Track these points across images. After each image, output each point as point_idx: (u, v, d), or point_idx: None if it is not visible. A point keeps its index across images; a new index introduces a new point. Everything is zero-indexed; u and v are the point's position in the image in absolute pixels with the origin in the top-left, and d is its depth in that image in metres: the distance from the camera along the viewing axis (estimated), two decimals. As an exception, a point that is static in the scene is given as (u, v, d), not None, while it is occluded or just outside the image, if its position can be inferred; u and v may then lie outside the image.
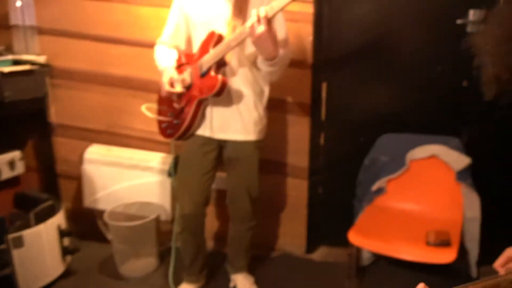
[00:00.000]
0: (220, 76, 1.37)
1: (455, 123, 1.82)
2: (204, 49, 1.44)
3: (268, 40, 1.21)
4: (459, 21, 1.77)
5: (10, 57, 2.00)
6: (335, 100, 2.06)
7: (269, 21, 1.19)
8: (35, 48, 2.22)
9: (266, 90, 1.56)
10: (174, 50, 1.58)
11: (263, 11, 1.18)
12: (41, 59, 2.20)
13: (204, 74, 1.42)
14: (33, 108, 2.19)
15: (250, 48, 1.43)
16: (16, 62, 2.02)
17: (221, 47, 1.36)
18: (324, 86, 2.06)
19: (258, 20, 1.19)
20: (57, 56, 2.26)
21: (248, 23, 1.22)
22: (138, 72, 2.18)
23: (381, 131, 1.93)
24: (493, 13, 0.60)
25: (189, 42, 1.58)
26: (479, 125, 1.79)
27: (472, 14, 1.74)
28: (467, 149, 1.72)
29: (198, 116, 1.49)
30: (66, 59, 2.27)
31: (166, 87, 1.44)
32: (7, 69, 1.88)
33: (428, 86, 1.91)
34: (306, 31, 1.96)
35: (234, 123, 1.50)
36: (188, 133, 1.53)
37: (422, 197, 1.79)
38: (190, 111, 1.47)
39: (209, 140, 1.55)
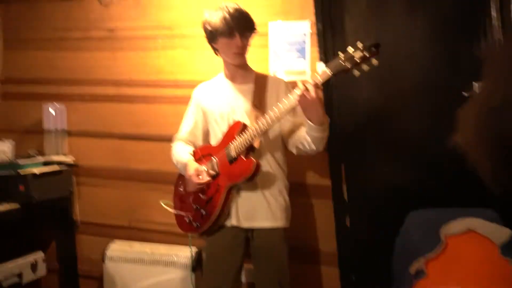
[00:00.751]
0: (253, 159, 1.42)
1: (485, 194, 1.75)
2: (229, 137, 1.50)
3: (319, 105, 1.32)
4: (465, 94, 1.80)
5: (41, 158, 2.15)
6: (356, 180, 2.06)
7: (319, 90, 1.31)
8: (64, 149, 2.38)
9: (286, 175, 1.59)
10: (190, 146, 1.64)
11: (312, 79, 1.31)
12: (69, 159, 2.35)
13: (234, 160, 1.46)
14: (58, 207, 2.26)
15: (274, 133, 1.52)
16: (46, 163, 2.16)
17: (252, 132, 1.42)
18: (342, 167, 2.07)
19: (307, 89, 1.29)
20: (83, 155, 2.41)
21: (294, 94, 1.33)
22: (158, 166, 2.27)
23: (408, 208, 1.80)
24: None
25: (205, 136, 1.65)
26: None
27: (477, 87, 1.78)
28: (503, 220, 1.65)
29: (228, 204, 1.49)
30: (92, 158, 2.41)
31: (194, 179, 1.48)
32: (37, 170, 2.01)
33: (448, 159, 1.89)
34: None
35: (261, 209, 1.50)
36: (218, 223, 1.51)
37: (468, 278, 1.59)
38: (219, 199, 1.47)
39: (236, 232, 1.52)
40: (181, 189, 1.64)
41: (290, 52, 2.18)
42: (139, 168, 2.33)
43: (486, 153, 0.43)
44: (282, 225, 1.52)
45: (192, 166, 1.51)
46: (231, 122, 1.53)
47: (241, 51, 1.51)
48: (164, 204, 1.65)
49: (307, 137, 1.44)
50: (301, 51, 2.18)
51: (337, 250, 2.01)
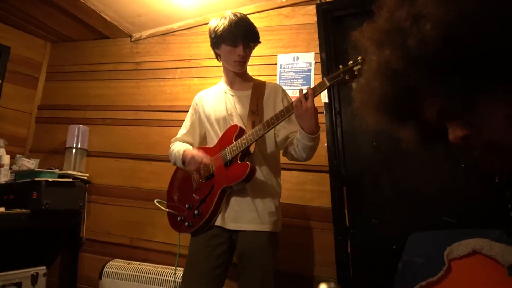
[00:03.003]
0: (248, 163, 1.40)
1: (491, 216, 1.73)
2: (225, 141, 1.49)
3: (313, 114, 1.32)
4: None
5: (57, 171, 2.33)
6: (357, 205, 2.03)
7: (314, 99, 1.31)
8: (81, 167, 2.57)
9: (279, 182, 1.55)
10: (188, 145, 1.64)
11: (311, 89, 1.32)
12: (84, 175, 2.52)
13: (230, 163, 1.45)
14: (68, 222, 2.36)
15: (269, 140, 1.51)
16: (62, 176, 2.33)
17: (248, 137, 1.41)
18: (344, 190, 2.07)
19: (304, 97, 1.31)
20: (98, 174, 2.58)
21: (295, 102, 1.33)
22: (164, 184, 2.31)
23: (411, 230, 1.78)
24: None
25: (202, 140, 1.67)
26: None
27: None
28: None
29: (222, 205, 1.47)
30: (105, 176, 2.57)
31: (198, 155, 1.47)
32: (51, 178, 2.15)
33: (456, 180, 1.87)
34: (321, 140, 2.08)
35: (247, 213, 1.45)
36: (209, 223, 1.48)
37: (474, 302, 1.48)
38: (213, 200, 1.45)
39: (219, 232, 1.47)
40: (175, 190, 1.62)
41: (296, 79, 2.35)
42: (146, 187, 2.45)
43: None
44: (269, 229, 1.45)
45: (197, 152, 1.51)
46: (228, 126, 1.53)
47: (243, 60, 1.50)
48: (158, 202, 1.64)
49: (298, 144, 1.44)
50: (306, 79, 2.35)
51: (337, 276, 1.95)
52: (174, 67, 2.61)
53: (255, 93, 1.54)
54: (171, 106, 2.54)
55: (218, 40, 1.49)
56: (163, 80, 2.61)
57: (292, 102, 1.34)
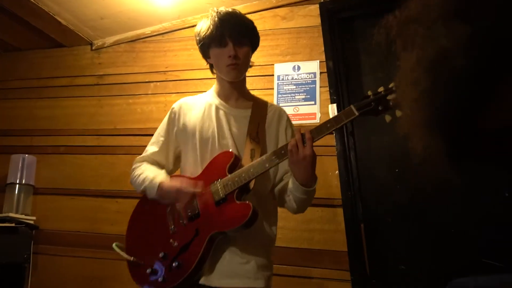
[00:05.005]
0: (250, 204, 1.34)
1: None
2: (215, 171, 1.44)
3: (310, 164, 1.31)
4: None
5: None
6: (379, 247, 2.03)
7: (313, 143, 1.31)
8: (26, 208, 2.53)
9: (275, 232, 1.52)
10: (163, 171, 1.54)
11: (309, 133, 1.30)
12: (31, 219, 2.48)
13: (223, 202, 1.39)
14: (8, 279, 2.30)
15: (266, 175, 1.47)
16: (1, 221, 2.28)
17: (250, 170, 1.38)
18: (362, 228, 2.08)
19: (302, 141, 1.29)
20: (48, 217, 2.55)
21: (291, 143, 1.32)
22: None
23: (449, 279, 1.79)
24: None
25: (176, 161, 1.61)
26: None
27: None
28: None
29: (209, 256, 1.39)
30: (58, 220, 2.53)
31: (188, 185, 1.40)
32: None
33: (499, 212, 1.89)
34: (331, 166, 2.17)
35: (239, 265, 1.40)
36: (190, 280, 1.40)
37: None
38: (200, 249, 1.37)
39: None
40: (143, 229, 1.52)
41: (298, 93, 2.41)
42: (111, 232, 2.41)
43: None
44: (262, 285, 1.42)
45: (179, 182, 1.45)
46: (217, 150, 1.48)
47: (235, 62, 1.47)
48: (117, 246, 1.52)
49: (290, 194, 1.45)
50: (310, 92, 2.41)
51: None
52: (146, 80, 2.66)
53: (255, 114, 1.53)
54: (143, 129, 2.56)
55: (205, 44, 1.50)
56: (133, 97, 2.65)
57: (288, 143, 1.34)
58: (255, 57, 2.33)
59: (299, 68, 2.45)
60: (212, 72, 1.56)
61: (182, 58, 2.65)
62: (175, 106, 1.61)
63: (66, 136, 2.71)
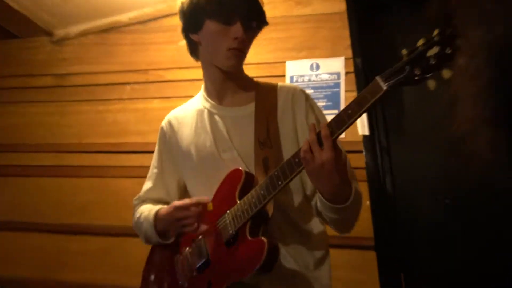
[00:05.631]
0: (265, 240, 1.18)
1: None
2: (223, 200, 1.33)
3: (333, 171, 1.10)
4: None
5: None
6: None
7: (334, 141, 1.10)
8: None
9: (326, 266, 1.34)
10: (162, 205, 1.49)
11: (325, 128, 1.10)
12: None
13: (234, 241, 1.25)
14: None
15: (294, 191, 1.34)
16: None
17: (260, 191, 1.23)
18: (402, 279, 1.93)
19: (319, 142, 1.10)
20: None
21: (304, 146, 1.14)
22: (104, 275, 2.12)
23: None
24: None
25: (182, 193, 1.51)
26: None
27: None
28: None
29: None
30: (5, 264, 2.29)
31: (185, 203, 1.31)
32: None
33: None
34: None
35: None
36: None
37: None
38: None
39: None
40: (153, 281, 1.45)
41: (316, 100, 2.19)
42: (74, 280, 2.17)
43: None
44: None
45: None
46: (223, 169, 1.33)
47: (241, 47, 1.33)
48: None
49: (321, 212, 1.28)
50: (333, 98, 2.23)
51: None
52: (122, 81, 2.45)
53: (261, 107, 1.39)
54: (116, 145, 2.37)
55: (199, 11, 1.34)
56: (104, 103, 2.44)
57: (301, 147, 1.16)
58: (263, 53, 2.25)
59: (318, 66, 2.28)
60: (194, 57, 1.43)
61: (168, 53, 2.44)
62: (164, 124, 1.53)
63: (17, 153, 2.48)
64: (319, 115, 1.38)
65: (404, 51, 1.00)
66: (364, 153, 2.07)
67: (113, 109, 2.46)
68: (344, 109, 1.08)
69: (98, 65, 2.55)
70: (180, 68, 2.39)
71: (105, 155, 2.38)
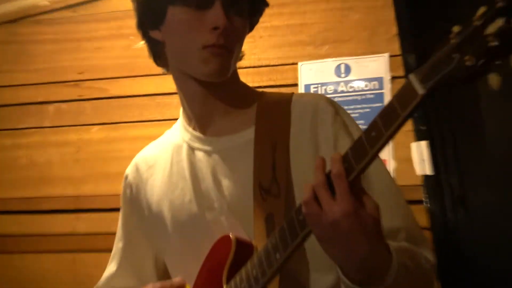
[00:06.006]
0: None
1: None
2: (208, 283, 1.18)
3: (356, 233, 0.85)
4: None
5: None
6: None
7: (355, 184, 0.85)
8: None
9: None
10: None
11: (338, 163, 0.85)
12: None
13: None
14: None
15: (318, 262, 1.10)
16: None
17: (250, 272, 1.04)
18: None
19: (326, 187, 0.87)
20: None
21: (305, 193, 0.91)
22: None
23: None
24: None
25: (161, 272, 1.34)
26: None
27: None
28: None
29: None
30: None
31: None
32: None
33: None
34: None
35: None
36: None
37: None
38: None
39: None
40: None
41: None
42: None
43: None
44: None
45: None
46: (209, 240, 1.17)
47: (224, 42, 1.08)
48: None
49: None
50: (373, 117, 1.81)
51: None
52: (41, 100, 2.09)
53: (264, 134, 1.17)
54: (35, 200, 2.02)
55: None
56: (14, 134, 2.12)
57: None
58: (266, 51, 1.98)
59: (348, 69, 1.94)
60: (162, 64, 1.19)
61: (113, 54, 2.09)
62: (129, 172, 1.30)
63: None
64: (352, 130, 1.13)
65: (456, 28, 0.73)
66: (425, 203, 1.82)
67: (28, 144, 2.11)
68: (366, 130, 0.83)
69: (3, 74, 2.17)
70: (133, 76, 2.04)
71: (16, 217, 2.03)
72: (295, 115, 1.14)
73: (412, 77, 0.76)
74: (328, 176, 0.86)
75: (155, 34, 1.13)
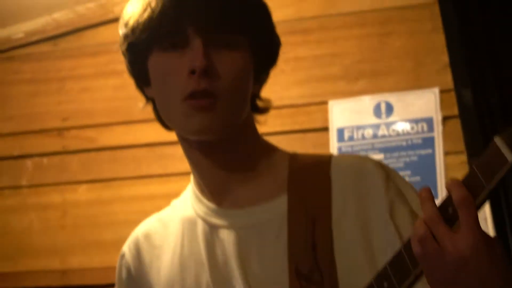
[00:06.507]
0: None
1: None
2: None
3: (486, 267, 0.69)
4: None
5: None
6: None
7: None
8: None
9: None
10: None
11: (459, 188, 0.72)
12: None
13: None
14: None
15: None
16: None
17: None
18: None
19: (439, 218, 0.72)
20: None
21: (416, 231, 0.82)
22: None
23: None
24: None
25: None
26: None
27: None
28: None
29: None
30: None
31: None
32: None
33: None
34: None
35: None
36: None
37: None
38: None
39: None
40: None
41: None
42: None
43: None
44: None
45: None
46: None
47: (205, 89, 0.89)
48: None
49: None
50: (421, 167, 1.84)
51: None
52: (18, 154, 1.97)
53: (300, 205, 1.02)
54: (12, 275, 1.90)
55: (139, 45, 0.96)
56: None
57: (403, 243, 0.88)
58: (281, 87, 1.81)
59: (390, 108, 1.85)
60: (166, 126, 1.03)
61: (103, 94, 1.94)
62: (126, 250, 1.11)
63: None
64: (416, 208, 0.95)
65: None
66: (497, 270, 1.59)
67: (2, 207, 1.96)
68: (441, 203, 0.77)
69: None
70: (127, 122, 1.89)
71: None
72: (337, 183, 0.98)
73: (498, 139, 0.67)
74: (443, 206, 0.73)
75: (148, 92, 0.98)
